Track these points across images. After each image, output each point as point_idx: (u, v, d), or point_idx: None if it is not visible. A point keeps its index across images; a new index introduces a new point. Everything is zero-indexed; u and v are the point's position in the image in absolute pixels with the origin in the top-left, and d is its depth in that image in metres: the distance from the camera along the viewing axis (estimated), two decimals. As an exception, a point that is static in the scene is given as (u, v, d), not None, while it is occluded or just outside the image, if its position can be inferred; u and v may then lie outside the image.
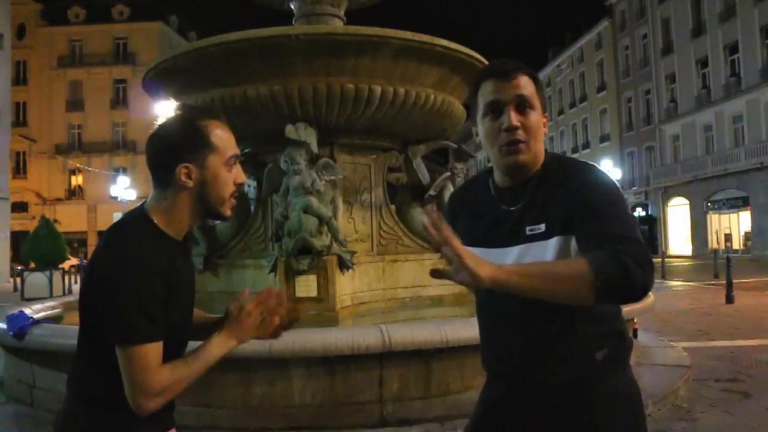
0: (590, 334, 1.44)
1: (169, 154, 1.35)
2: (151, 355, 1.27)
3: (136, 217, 1.38)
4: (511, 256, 1.44)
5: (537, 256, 1.39)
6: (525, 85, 1.46)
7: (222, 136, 1.38)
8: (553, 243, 1.39)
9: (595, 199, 1.37)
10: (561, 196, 1.41)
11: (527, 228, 1.43)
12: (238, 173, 1.41)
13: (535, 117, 1.46)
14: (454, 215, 1.63)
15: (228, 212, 1.43)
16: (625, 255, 1.23)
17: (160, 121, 1.41)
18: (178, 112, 1.41)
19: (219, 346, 1.39)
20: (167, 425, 1.44)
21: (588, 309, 1.38)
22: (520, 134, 1.43)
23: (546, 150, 1.52)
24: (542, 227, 1.41)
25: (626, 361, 1.51)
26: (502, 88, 1.45)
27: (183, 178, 1.34)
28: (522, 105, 1.44)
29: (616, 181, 1.54)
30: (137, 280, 1.26)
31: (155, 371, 1.27)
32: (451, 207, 1.70)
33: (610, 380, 1.44)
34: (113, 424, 1.34)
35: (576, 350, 1.43)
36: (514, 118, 1.43)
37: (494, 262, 1.30)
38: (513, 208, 1.47)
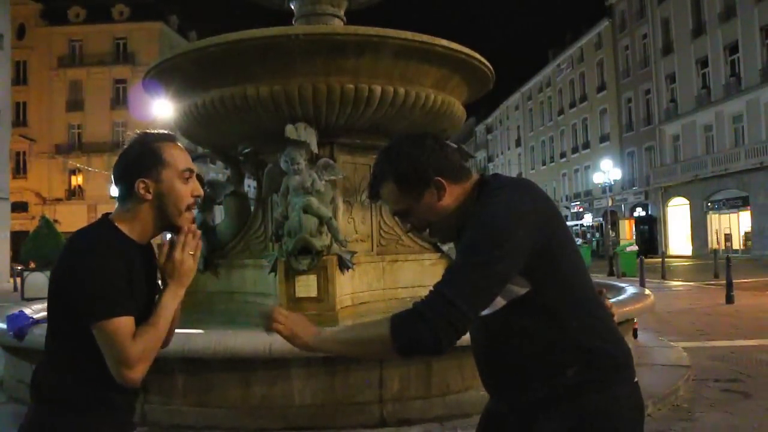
0: (556, 351, 1.41)
1: (128, 170, 1.53)
2: (127, 328, 1.39)
3: (99, 222, 1.54)
4: None
5: None
6: (387, 202, 1.58)
7: (174, 153, 1.55)
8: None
9: (466, 231, 1.43)
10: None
11: None
12: (195, 187, 1.57)
13: (416, 215, 1.56)
14: None
15: (185, 224, 1.56)
16: (425, 312, 1.34)
17: (158, 122, 1.51)
18: (138, 136, 1.57)
19: (171, 299, 1.51)
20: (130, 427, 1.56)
21: (549, 327, 1.40)
22: (427, 233, 1.59)
23: (483, 181, 1.53)
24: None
25: (610, 377, 1.43)
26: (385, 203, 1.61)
27: (141, 191, 1.50)
28: (401, 217, 1.59)
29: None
30: (104, 264, 1.41)
31: (132, 342, 1.39)
32: None
33: (590, 396, 1.40)
34: (85, 427, 1.43)
35: (543, 367, 1.41)
36: (405, 227, 1.61)
37: None
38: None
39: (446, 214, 1.53)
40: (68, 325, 1.43)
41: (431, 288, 1.38)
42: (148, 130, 1.61)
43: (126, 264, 1.45)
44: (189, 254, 1.54)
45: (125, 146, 1.57)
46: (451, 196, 1.52)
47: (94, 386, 1.44)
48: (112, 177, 1.57)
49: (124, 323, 1.39)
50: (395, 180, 1.52)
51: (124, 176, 1.53)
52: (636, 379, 1.49)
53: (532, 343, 1.43)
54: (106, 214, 1.56)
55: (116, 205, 1.57)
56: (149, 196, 1.51)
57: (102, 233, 1.49)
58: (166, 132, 1.60)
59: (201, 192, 1.59)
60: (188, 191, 1.55)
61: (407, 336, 1.33)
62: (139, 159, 1.52)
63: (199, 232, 1.60)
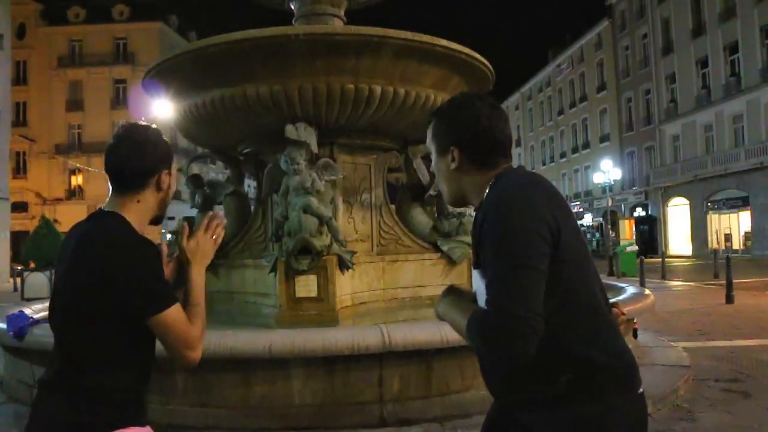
0: (548, 357, 1.37)
1: (158, 161, 1.59)
2: (181, 314, 1.48)
3: (112, 215, 1.55)
4: (475, 279, 1.51)
5: (478, 284, 1.45)
6: (426, 137, 1.61)
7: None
8: (476, 274, 1.48)
9: (486, 239, 1.39)
10: (476, 225, 1.47)
11: (475, 254, 1.50)
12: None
13: (433, 163, 1.60)
14: None
15: (163, 216, 1.66)
16: (479, 322, 1.30)
17: (158, 122, 1.56)
18: (152, 126, 1.64)
19: (198, 275, 1.60)
20: (143, 419, 1.56)
21: (545, 332, 1.37)
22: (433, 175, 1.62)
23: (502, 172, 1.51)
24: (475, 257, 1.49)
25: (607, 388, 1.38)
26: None
27: (165, 179, 1.60)
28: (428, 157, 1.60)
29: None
30: (148, 258, 1.46)
31: (190, 325, 1.48)
32: None
33: (583, 405, 1.37)
34: (117, 415, 1.45)
35: (536, 372, 1.38)
36: (431, 172, 1.63)
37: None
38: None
39: (453, 183, 1.57)
40: (107, 321, 1.44)
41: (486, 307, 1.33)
42: (144, 122, 1.67)
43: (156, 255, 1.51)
44: (211, 238, 1.62)
45: (146, 137, 1.60)
46: (462, 173, 1.53)
47: (131, 380, 1.48)
48: (131, 166, 1.57)
49: (178, 310, 1.47)
50: (433, 126, 1.59)
51: (153, 166, 1.58)
52: (640, 391, 1.44)
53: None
54: (102, 209, 1.58)
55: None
56: (165, 186, 1.61)
57: (127, 228, 1.52)
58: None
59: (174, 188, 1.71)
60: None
61: (479, 339, 1.31)
62: (167, 151, 1.61)
63: (224, 220, 1.69)
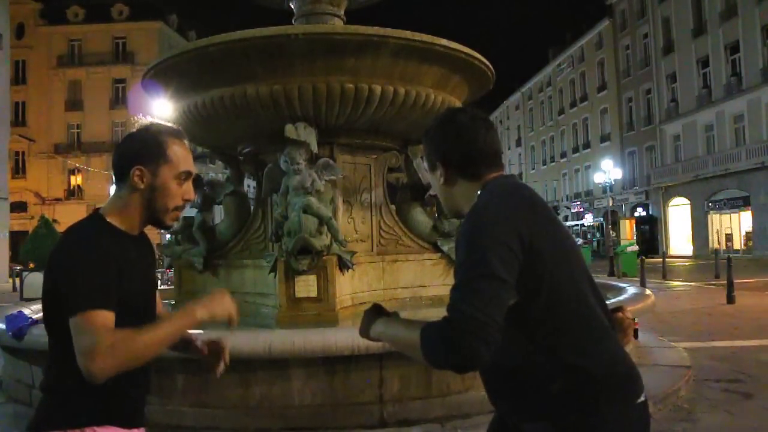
0: (539, 365, 1.37)
1: (129, 156, 1.52)
2: (98, 320, 1.34)
3: (90, 217, 1.54)
4: None
5: None
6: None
7: (178, 152, 1.54)
8: None
9: (458, 249, 1.40)
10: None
11: None
12: (188, 190, 1.56)
13: (431, 180, 1.69)
14: None
15: (169, 222, 1.57)
16: (436, 330, 1.28)
17: (159, 119, 1.51)
18: (148, 125, 1.57)
19: (181, 319, 1.46)
20: (130, 422, 1.51)
21: (532, 341, 1.37)
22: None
23: (484, 185, 1.51)
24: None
25: (601, 397, 1.36)
26: None
27: (136, 179, 1.49)
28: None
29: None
30: (90, 261, 1.39)
31: (102, 334, 1.32)
32: None
33: (576, 414, 1.35)
34: (74, 412, 1.43)
35: (528, 379, 1.37)
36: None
37: None
38: None
39: (447, 197, 1.61)
40: (59, 320, 1.43)
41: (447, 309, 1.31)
42: (158, 122, 1.62)
43: (115, 258, 1.43)
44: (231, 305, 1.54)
45: (128, 135, 1.57)
46: (457, 186, 1.56)
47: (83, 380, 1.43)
48: (112, 160, 1.57)
49: (101, 316, 1.35)
50: (423, 143, 1.65)
51: (122, 160, 1.52)
52: (640, 400, 1.41)
53: (518, 355, 1.39)
54: (98, 209, 1.56)
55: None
56: (142, 186, 1.50)
57: (90, 228, 1.48)
58: (175, 127, 1.59)
59: (193, 196, 1.59)
60: (180, 193, 1.54)
61: (437, 348, 1.28)
62: (143, 147, 1.51)
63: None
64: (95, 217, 1.52)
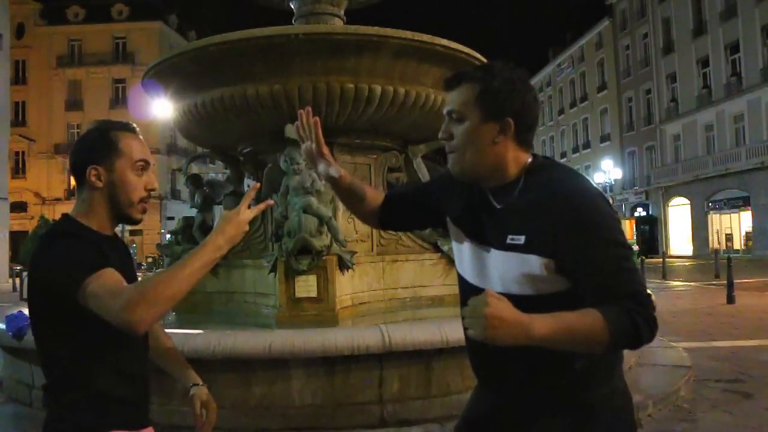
0: None
1: (82, 157, 1.50)
2: (108, 275, 1.34)
3: (60, 220, 1.53)
4: (494, 261, 1.44)
5: (516, 268, 1.38)
6: (454, 98, 1.46)
7: (130, 143, 1.52)
8: (534, 262, 1.36)
9: (588, 228, 1.33)
10: (546, 209, 1.36)
11: (509, 236, 1.39)
12: (150, 180, 1.53)
13: (463, 128, 1.44)
14: (446, 188, 1.62)
15: (137, 216, 1.54)
16: (638, 315, 1.28)
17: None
18: (98, 123, 1.55)
19: (202, 246, 1.47)
20: (133, 423, 1.51)
21: None
22: (448, 145, 1.48)
23: (535, 155, 1.49)
24: (522, 239, 1.37)
25: (613, 371, 1.46)
26: (446, 99, 1.50)
27: (93, 178, 1.48)
28: (450, 117, 1.47)
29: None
30: (70, 246, 1.39)
31: (121, 286, 1.32)
32: (447, 179, 1.62)
33: (593, 390, 1.41)
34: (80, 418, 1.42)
35: (552, 359, 1.35)
36: (443, 130, 1.48)
37: (478, 260, 1.47)
38: (500, 206, 1.45)
39: (490, 155, 1.43)
40: (48, 320, 1.42)
41: (611, 290, 1.30)
42: (107, 119, 1.60)
43: (97, 246, 1.42)
44: (246, 217, 1.48)
45: (83, 133, 1.56)
46: (506, 148, 1.43)
47: (81, 380, 1.42)
48: (69, 165, 1.57)
49: (108, 272, 1.34)
50: (482, 90, 1.41)
51: (77, 163, 1.51)
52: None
53: None
54: (66, 214, 1.55)
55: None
56: (100, 184, 1.48)
57: (64, 226, 1.48)
58: (125, 122, 1.56)
59: (155, 185, 1.56)
60: (141, 183, 1.52)
61: (628, 335, 1.28)
62: (94, 146, 1.50)
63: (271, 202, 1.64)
64: (67, 219, 1.52)
